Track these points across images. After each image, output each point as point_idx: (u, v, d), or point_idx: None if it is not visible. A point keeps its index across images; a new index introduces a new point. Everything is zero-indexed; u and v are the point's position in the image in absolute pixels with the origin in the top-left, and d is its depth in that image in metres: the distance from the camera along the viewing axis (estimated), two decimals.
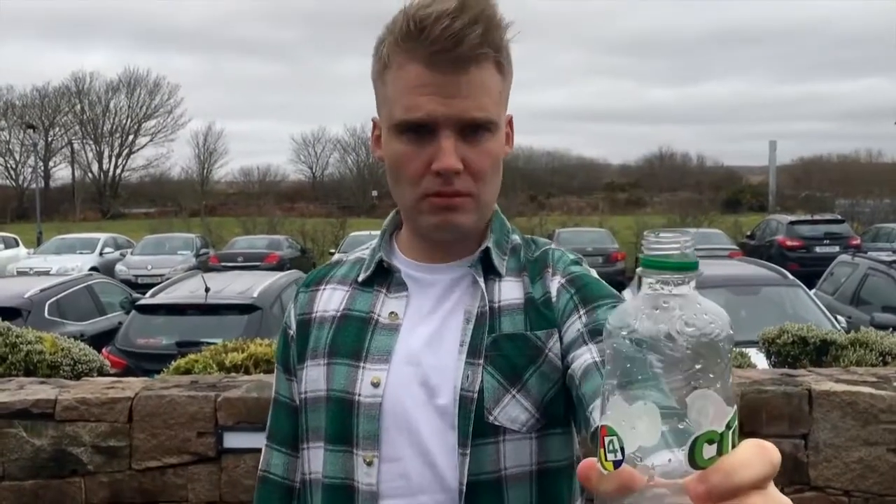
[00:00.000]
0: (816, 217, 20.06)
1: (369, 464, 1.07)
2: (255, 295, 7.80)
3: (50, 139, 54.55)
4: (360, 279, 1.17)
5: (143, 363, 7.02)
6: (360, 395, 1.08)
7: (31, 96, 55.07)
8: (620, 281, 13.51)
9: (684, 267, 0.53)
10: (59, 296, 8.76)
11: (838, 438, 3.94)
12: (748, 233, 22.13)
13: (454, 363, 1.06)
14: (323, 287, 1.21)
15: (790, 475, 3.96)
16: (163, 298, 8.06)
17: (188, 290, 8.17)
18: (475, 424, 1.04)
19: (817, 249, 17.48)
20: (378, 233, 1.22)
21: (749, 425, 3.96)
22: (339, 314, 1.15)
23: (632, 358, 0.53)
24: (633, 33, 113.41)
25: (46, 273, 15.97)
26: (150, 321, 7.71)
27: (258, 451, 3.96)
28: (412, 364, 1.08)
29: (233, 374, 4.73)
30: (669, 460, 0.52)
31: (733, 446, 0.53)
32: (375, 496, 1.06)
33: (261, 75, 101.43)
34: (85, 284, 9.57)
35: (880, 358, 4.78)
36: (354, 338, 1.12)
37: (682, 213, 27.63)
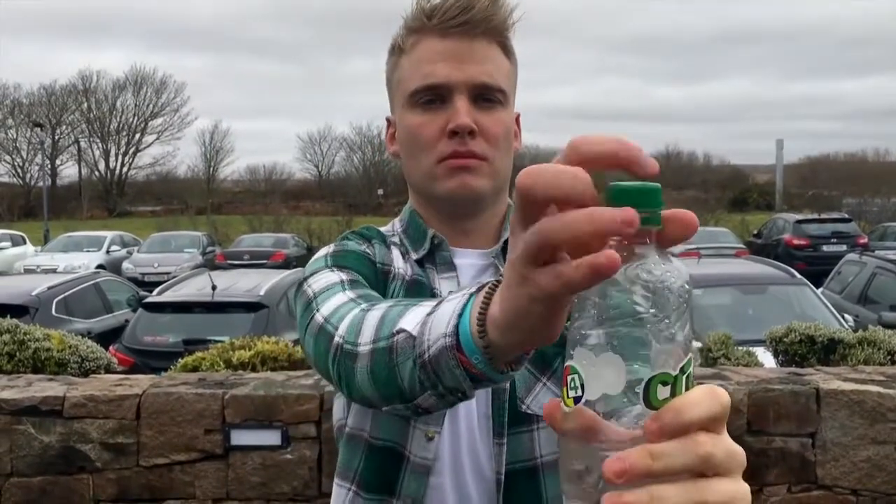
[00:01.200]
0: (823, 216, 19.98)
1: (430, 439, 1.07)
2: (262, 293, 7.81)
3: (57, 137, 54.75)
4: (415, 257, 1.16)
5: (151, 361, 7.03)
6: None
7: (39, 94, 55.33)
8: None
9: (647, 221, 0.53)
10: (66, 293, 8.79)
11: (846, 437, 3.93)
12: (755, 231, 22.06)
13: None
14: (390, 247, 1.18)
15: (797, 474, 3.95)
16: (170, 296, 8.08)
17: (195, 288, 8.19)
18: (510, 414, 1.06)
19: (824, 248, 17.41)
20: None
21: (757, 424, 3.96)
22: (409, 278, 1.14)
23: (597, 304, 0.53)
24: (641, 32, 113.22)
25: (53, 271, 16.03)
26: (157, 319, 7.72)
27: (265, 448, 3.95)
28: None
29: (240, 372, 4.73)
30: (630, 410, 0.53)
31: (687, 391, 0.54)
32: (428, 468, 1.06)
33: (267, 74, 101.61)
34: (92, 282, 9.60)
35: (888, 357, 4.77)
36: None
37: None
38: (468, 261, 1.16)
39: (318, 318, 0.96)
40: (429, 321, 0.73)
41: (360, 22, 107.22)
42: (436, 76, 1.07)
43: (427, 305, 0.76)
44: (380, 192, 46.72)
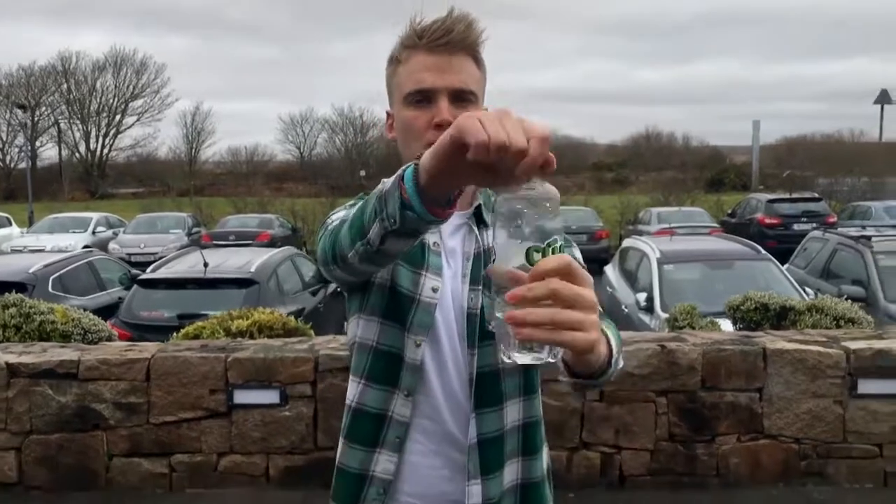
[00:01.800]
0: (794, 196, 20.52)
1: (418, 345, 1.47)
2: (253, 269, 8.11)
3: (36, 119, 54.31)
4: None
5: (147, 335, 7.33)
6: (421, 295, 1.47)
7: (17, 76, 54.81)
8: (605, 258, 13.89)
9: None
10: (61, 271, 9.06)
11: (789, 392, 4.38)
12: (729, 211, 22.60)
13: (459, 290, 1.49)
14: None
15: (746, 425, 4.40)
16: (163, 273, 8.37)
17: (187, 266, 8.48)
18: (479, 332, 1.47)
19: (795, 227, 17.93)
20: None
21: (710, 380, 4.39)
22: None
23: (503, 214, 0.98)
24: (623, 14, 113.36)
25: (41, 251, 16.21)
26: (152, 295, 8.01)
27: (266, 406, 4.38)
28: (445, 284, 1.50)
29: (239, 339, 5.10)
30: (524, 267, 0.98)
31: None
32: (418, 367, 1.47)
33: (249, 56, 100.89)
34: (86, 261, 9.87)
35: (834, 322, 5.21)
36: (418, 252, 1.49)
37: (665, 192, 28.10)
38: (445, 224, 1.54)
39: (326, 225, 1.41)
40: (392, 178, 1.13)
41: (343, 5, 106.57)
42: (424, 82, 1.44)
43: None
44: (362, 173, 46.83)
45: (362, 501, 1.49)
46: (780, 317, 5.40)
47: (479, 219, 1.54)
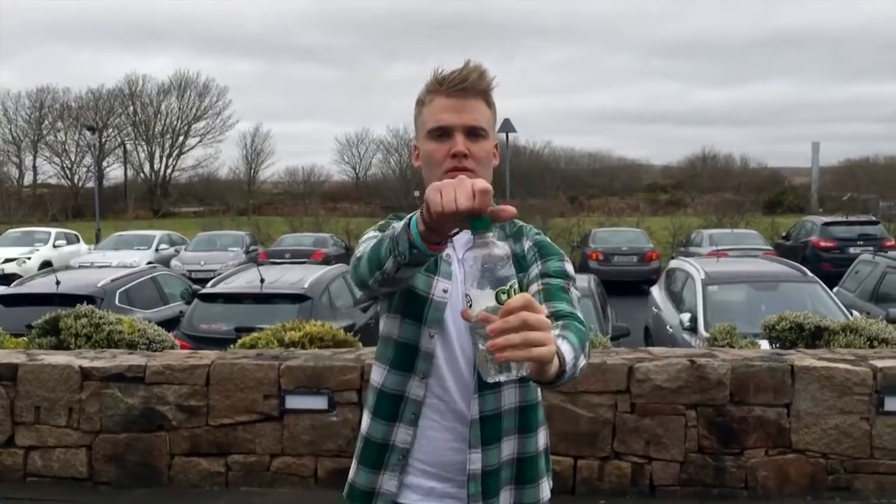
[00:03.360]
0: (851, 219, 20.23)
1: (432, 337, 1.76)
2: (306, 285, 8.47)
3: (104, 140, 56.39)
4: None
5: (206, 346, 7.72)
6: (434, 294, 1.76)
7: (87, 98, 57.12)
8: (654, 279, 13.97)
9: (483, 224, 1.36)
10: (127, 286, 9.57)
11: (817, 408, 4.51)
12: (783, 234, 22.37)
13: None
14: None
15: (774, 439, 4.54)
16: (222, 288, 8.80)
17: (245, 281, 8.90)
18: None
19: (851, 250, 17.66)
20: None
21: (739, 395, 4.55)
22: None
23: (471, 269, 1.35)
24: (682, 36, 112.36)
25: (108, 267, 16.93)
26: (211, 309, 8.44)
27: (315, 411, 4.70)
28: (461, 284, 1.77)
29: (291, 349, 5.42)
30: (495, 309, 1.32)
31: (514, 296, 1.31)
32: (432, 355, 1.76)
33: (307, 78, 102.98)
34: (150, 276, 10.39)
35: (868, 342, 5.30)
36: (434, 263, 1.77)
37: (719, 213, 27.90)
38: (461, 239, 1.82)
39: (354, 257, 1.74)
40: (400, 224, 1.50)
41: (401, 29, 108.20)
42: (443, 121, 1.75)
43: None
44: (416, 193, 47.41)
45: (385, 465, 1.78)
46: (815, 336, 5.51)
47: None
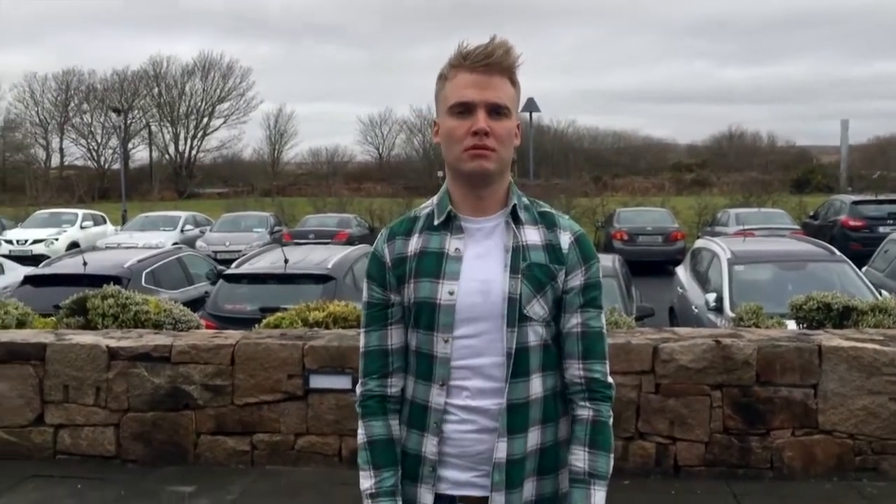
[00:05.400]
0: (881, 197, 19.89)
1: (446, 341, 1.74)
2: (330, 266, 8.50)
3: (129, 122, 56.81)
4: (435, 224, 1.81)
5: (231, 327, 7.77)
6: (440, 300, 1.74)
7: (112, 80, 57.53)
8: (679, 259, 13.87)
9: None
10: (153, 266, 9.66)
11: (844, 388, 4.46)
12: (811, 213, 22.06)
13: (501, 278, 1.74)
14: (411, 237, 1.85)
15: (800, 420, 4.50)
16: (247, 269, 8.85)
17: (269, 262, 8.94)
18: (518, 315, 1.73)
19: (880, 229, 17.37)
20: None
21: (765, 376, 4.51)
22: (417, 252, 1.81)
23: None
24: (707, 13, 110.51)
25: (134, 248, 17.10)
26: (236, 289, 8.49)
27: (340, 391, 4.72)
28: (473, 280, 1.76)
29: (315, 329, 5.45)
30: None
31: None
32: (448, 360, 1.74)
33: (330, 59, 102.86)
34: (175, 257, 10.48)
35: None
36: (434, 265, 1.77)
37: (746, 193, 27.56)
38: (476, 226, 1.80)
39: (360, 346, 1.88)
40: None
41: (423, 8, 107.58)
42: (466, 97, 1.71)
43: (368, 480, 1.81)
44: (440, 174, 47.33)
45: (421, 477, 1.79)
46: (843, 317, 5.43)
47: (515, 216, 1.79)
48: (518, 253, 1.76)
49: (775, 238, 12.42)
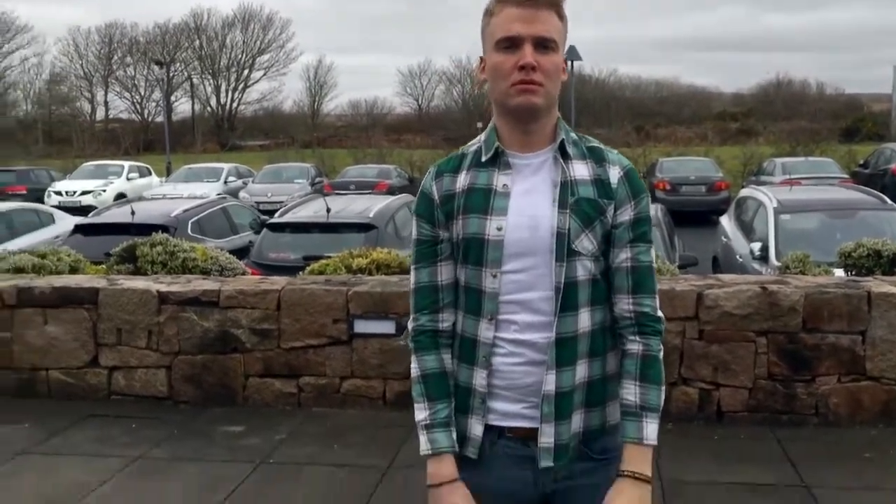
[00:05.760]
0: None
1: (494, 276, 1.75)
2: (372, 215, 8.54)
3: (171, 74, 57.19)
4: (482, 160, 1.82)
5: (275, 275, 7.90)
6: (488, 235, 1.75)
7: (154, 33, 57.89)
8: (723, 210, 13.67)
9: None
10: (199, 216, 9.81)
11: (894, 335, 4.39)
12: (861, 161, 21.52)
13: (549, 213, 1.74)
14: (459, 174, 1.86)
15: (847, 366, 4.46)
16: (290, 218, 8.94)
17: (312, 211, 9.02)
18: (567, 249, 1.73)
19: None
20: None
21: (812, 322, 4.46)
22: (465, 189, 1.82)
23: None
24: None
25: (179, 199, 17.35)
26: (279, 238, 8.59)
27: (383, 336, 4.79)
28: (521, 215, 1.76)
29: (359, 275, 5.51)
30: None
31: None
32: (496, 295, 1.76)
33: (369, 10, 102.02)
34: (220, 206, 10.62)
35: None
36: (482, 201, 1.78)
37: (793, 142, 26.96)
38: (524, 162, 1.80)
39: (409, 285, 1.88)
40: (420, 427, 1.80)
41: None
42: (513, 31, 1.68)
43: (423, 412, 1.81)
44: (479, 125, 46.98)
45: (471, 409, 1.81)
46: (893, 264, 5.33)
47: (563, 151, 1.78)
48: (566, 188, 1.75)
49: (824, 186, 12.14)
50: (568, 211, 1.73)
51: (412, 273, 1.88)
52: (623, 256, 1.77)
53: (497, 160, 1.80)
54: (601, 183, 1.77)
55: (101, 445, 4.47)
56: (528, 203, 1.76)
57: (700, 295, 4.54)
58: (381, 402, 4.92)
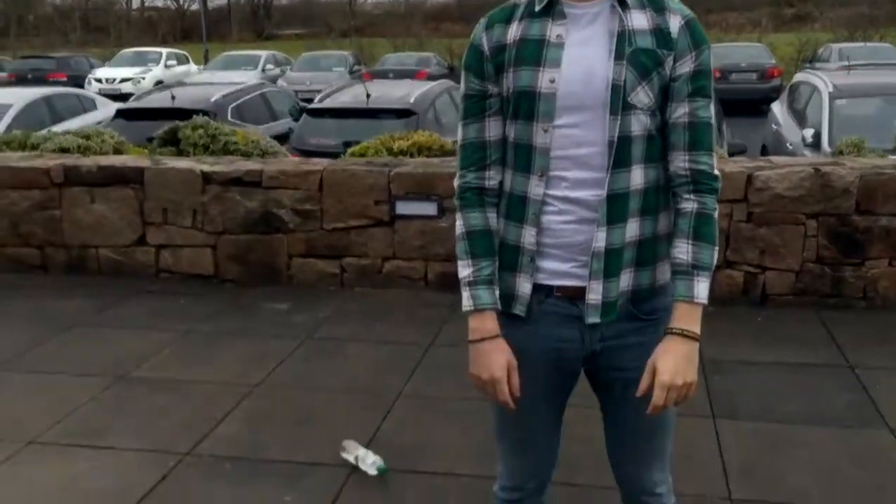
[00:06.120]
0: None
1: (546, 131, 1.69)
2: (412, 101, 8.39)
3: None
4: (536, 10, 1.73)
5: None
6: (541, 88, 1.68)
7: None
8: (775, 98, 13.21)
9: None
10: (238, 101, 9.75)
11: None
12: None
13: (605, 64, 1.66)
14: (511, 24, 1.77)
15: None
16: (329, 103, 8.84)
17: (351, 97, 8.90)
18: (622, 102, 1.66)
19: None
20: None
21: (865, 204, 4.35)
22: (517, 39, 1.74)
23: None
24: None
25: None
26: (319, 124, 8.51)
27: (425, 217, 4.79)
28: (576, 67, 1.68)
29: (400, 157, 5.46)
30: None
31: None
32: (547, 150, 1.70)
33: None
34: (259, 92, 10.54)
35: None
36: (535, 52, 1.70)
37: (851, 28, 25.75)
38: (580, 11, 1.70)
39: (457, 139, 1.83)
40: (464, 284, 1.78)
41: None
42: None
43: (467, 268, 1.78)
44: None
45: (519, 266, 1.77)
46: None
47: (620, 2, 1.68)
48: (624, 38, 1.65)
49: (884, 71, 11.63)
50: (625, 62, 1.64)
51: (459, 129, 1.83)
52: (681, 111, 1.69)
53: (551, 10, 1.71)
54: (660, 32, 1.67)
55: (152, 319, 4.59)
56: (583, 54, 1.67)
57: (750, 177, 4.42)
58: (423, 283, 4.96)
